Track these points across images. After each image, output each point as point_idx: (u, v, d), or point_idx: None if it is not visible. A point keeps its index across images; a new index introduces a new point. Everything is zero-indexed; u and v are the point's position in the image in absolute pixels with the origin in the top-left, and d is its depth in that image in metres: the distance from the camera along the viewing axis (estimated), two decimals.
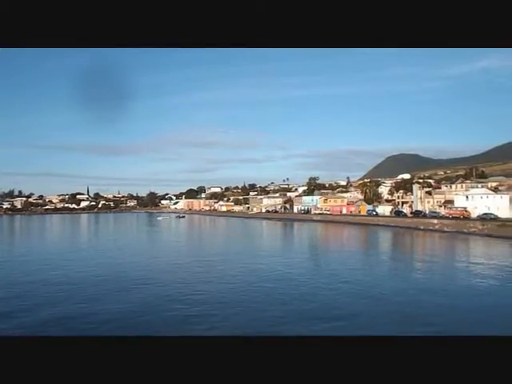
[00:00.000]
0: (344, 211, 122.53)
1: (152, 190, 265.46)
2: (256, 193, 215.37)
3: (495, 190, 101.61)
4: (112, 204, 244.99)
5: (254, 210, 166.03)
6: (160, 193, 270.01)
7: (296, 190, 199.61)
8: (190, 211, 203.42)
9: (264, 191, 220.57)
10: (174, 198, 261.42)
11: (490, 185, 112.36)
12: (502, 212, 78.71)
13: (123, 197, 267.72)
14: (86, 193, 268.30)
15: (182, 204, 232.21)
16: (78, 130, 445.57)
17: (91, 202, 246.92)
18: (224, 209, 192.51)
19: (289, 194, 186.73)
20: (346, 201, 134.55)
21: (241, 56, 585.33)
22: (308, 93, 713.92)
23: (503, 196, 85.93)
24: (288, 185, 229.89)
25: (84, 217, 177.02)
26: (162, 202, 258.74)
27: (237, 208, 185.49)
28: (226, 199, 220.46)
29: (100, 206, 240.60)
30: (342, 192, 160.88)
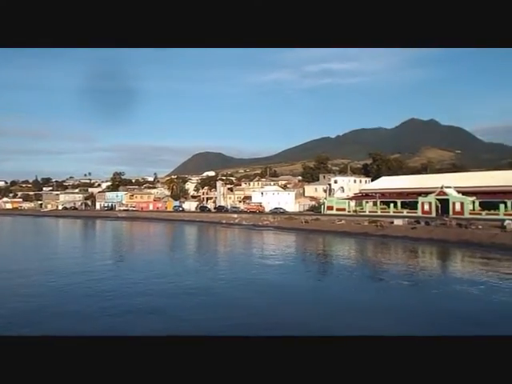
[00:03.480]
0: (151, 207, 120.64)
1: None
2: (51, 188, 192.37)
3: (284, 187, 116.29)
4: None
5: (49, 206, 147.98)
6: None
7: (99, 185, 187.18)
8: None
9: (61, 186, 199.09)
10: None
11: (280, 183, 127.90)
12: (290, 206, 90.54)
13: None
14: None
15: None
16: None
17: None
18: (9, 206, 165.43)
19: (91, 189, 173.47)
20: (152, 197, 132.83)
21: None
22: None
23: (290, 193, 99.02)
24: (90, 180, 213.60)
25: None
26: None
27: (26, 205, 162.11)
28: (12, 195, 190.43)
29: None
30: (149, 188, 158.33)
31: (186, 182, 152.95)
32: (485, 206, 60.46)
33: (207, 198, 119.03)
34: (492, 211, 57.84)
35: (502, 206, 57.21)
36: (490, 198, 60.54)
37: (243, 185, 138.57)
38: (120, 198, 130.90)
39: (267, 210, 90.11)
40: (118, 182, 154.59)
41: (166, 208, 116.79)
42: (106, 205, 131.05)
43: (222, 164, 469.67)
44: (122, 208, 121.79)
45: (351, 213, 74.47)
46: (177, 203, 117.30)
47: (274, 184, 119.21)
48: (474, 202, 61.65)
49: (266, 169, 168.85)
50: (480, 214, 58.28)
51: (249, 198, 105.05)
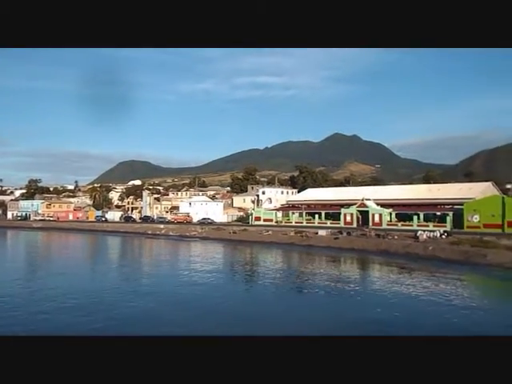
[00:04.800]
0: (70, 217, 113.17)
1: None
2: None
3: (213, 197, 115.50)
4: None
5: None
6: None
7: (12, 193, 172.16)
8: None
9: None
10: None
11: (209, 193, 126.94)
12: (218, 217, 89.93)
13: None
14: None
15: None
16: None
17: None
18: None
19: (2, 197, 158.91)
20: (72, 206, 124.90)
21: None
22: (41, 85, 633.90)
23: (219, 203, 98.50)
24: (1, 187, 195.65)
25: None
26: None
27: None
28: None
29: None
30: (69, 196, 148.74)
31: (110, 190, 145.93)
32: (400, 217, 64.62)
33: (132, 208, 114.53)
34: (407, 222, 61.95)
35: (415, 218, 61.51)
36: (405, 210, 64.90)
37: (171, 195, 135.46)
38: (36, 206, 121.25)
39: (195, 220, 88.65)
40: (34, 190, 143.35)
41: (88, 218, 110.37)
42: (19, 214, 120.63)
43: (148, 173, 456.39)
44: (37, 218, 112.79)
45: (278, 223, 75.71)
46: (99, 213, 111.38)
47: (203, 194, 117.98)
48: (391, 214, 65.63)
49: (195, 179, 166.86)
50: (396, 225, 62.11)
51: (176, 208, 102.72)
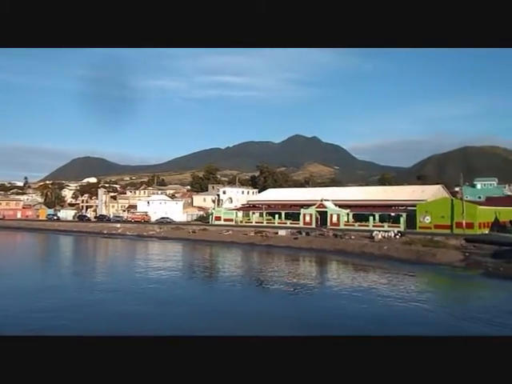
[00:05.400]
0: (19, 216, 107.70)
1: None
2: None
3: (172, 196, 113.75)
4: None
5: None
6: None
7: None
8: None
9: None
10: None
11: (168, 192, 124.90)
12: (177, 216, 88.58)
13: None
14: None
15: None
16: None
17: None
18: None
19: None
20: (21, 204, 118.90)
21: None
22: None
23: (178, 202, 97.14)
24: None
25: None
26: None
27: None
28: None
29: None
30: (17, 194, 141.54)
31: (63, 188, 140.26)
32: (357, 218, 66.34)
33: (87, 207, 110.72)
34: (363, 223, 63.70)
35: (371, 218, 63.36)
36: (361, 211, 66.69)
37: (128, 193, 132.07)
38: None
39: (153, 219, 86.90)
40: None
41: (38, 216, 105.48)
42: None
43: (104, 170, 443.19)
44: None
45: (238, 223, 75.65)
46: (51, 211, 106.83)
47: (162, 193, 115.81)
48: (348, 215, 67.25)
49: (154, 177, 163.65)
50: (353, 226, 63.70)
51: (134, 207, 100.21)
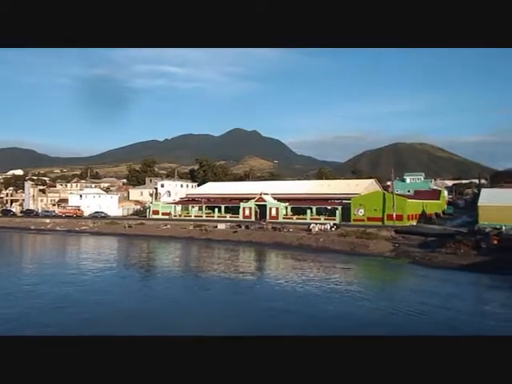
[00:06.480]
0: None
1: None
2: None
3: (107, 190, 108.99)
4: None
5: None
6: None
7: None
8: None
9: None
10: None
11: (102, 185, 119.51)
12: (112, 210, 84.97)
13: None
14: None
15: None
16: None
17: None
18: None
19: None
20: None
21: None
22: None
23: (113, 196, 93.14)
24: None
25: None
26: None
27: None
28: None
29: None
30: None
31: None
32: (295, 211, 67.67)
33: (12, 201, 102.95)
34: (301, 216, 65.11)
35: (308, 212, 64.90)
36: (299, 204, 68.13)
37: (59, 186, 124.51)
38: None
39: (87, 214, 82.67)
40: None
41: None
42: None
43: (33, 162, 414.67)
44: None
45: (177, 217, 74.18)
46: None
47: (96, 186, 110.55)
48: (287, 208, 68.37)
49: (87, 170, 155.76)
50: (292, 219, 64.91)
51: (65, 200, 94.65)
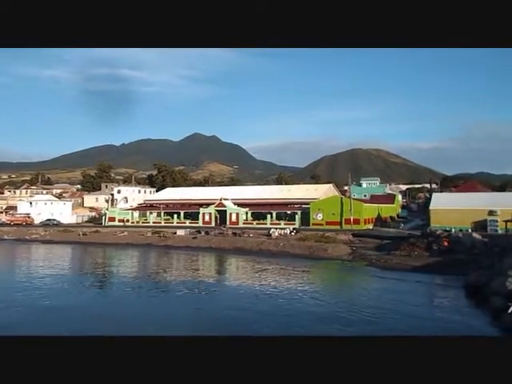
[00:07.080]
0: None
1: None
2: None
3: (60, 196, 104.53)
4: None
5: None
6: None
7: None
8: None
9: None
10: None
11: (55, 191, 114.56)
12: (65, 218, 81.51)
13: None
14: None
15: None
16: None
17: None
18: None
19: None
20: None
21: None
22: None
23: (66, 203, 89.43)
24: None
25: None
26: None
27: None
28: None
29: None
30: None
31: None
32: (256, 216, 67.79)
33: None
34: (261, 221, 65.27)
35: (268, 217, 65.20)
36: (260, 210, 68.33)
37: (7, 193, 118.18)
38: None
39: (37, 222, 78.78)
40: None
41: None
42: None
43: None
44: None
45: (135, 224, 72.26)
46: None
47: (48, 193, 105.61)
48: (247, 213, 68.36)
49: (38, 175, 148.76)
50: (252, 224, 64.91)
51: (14, 208, 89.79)
